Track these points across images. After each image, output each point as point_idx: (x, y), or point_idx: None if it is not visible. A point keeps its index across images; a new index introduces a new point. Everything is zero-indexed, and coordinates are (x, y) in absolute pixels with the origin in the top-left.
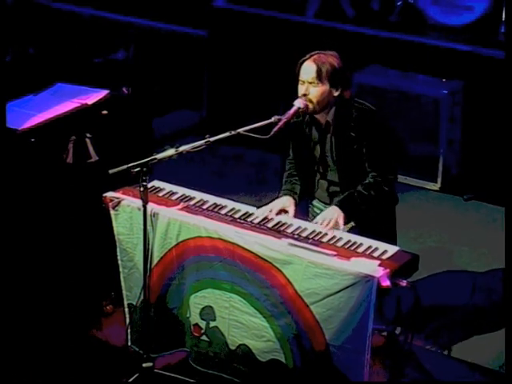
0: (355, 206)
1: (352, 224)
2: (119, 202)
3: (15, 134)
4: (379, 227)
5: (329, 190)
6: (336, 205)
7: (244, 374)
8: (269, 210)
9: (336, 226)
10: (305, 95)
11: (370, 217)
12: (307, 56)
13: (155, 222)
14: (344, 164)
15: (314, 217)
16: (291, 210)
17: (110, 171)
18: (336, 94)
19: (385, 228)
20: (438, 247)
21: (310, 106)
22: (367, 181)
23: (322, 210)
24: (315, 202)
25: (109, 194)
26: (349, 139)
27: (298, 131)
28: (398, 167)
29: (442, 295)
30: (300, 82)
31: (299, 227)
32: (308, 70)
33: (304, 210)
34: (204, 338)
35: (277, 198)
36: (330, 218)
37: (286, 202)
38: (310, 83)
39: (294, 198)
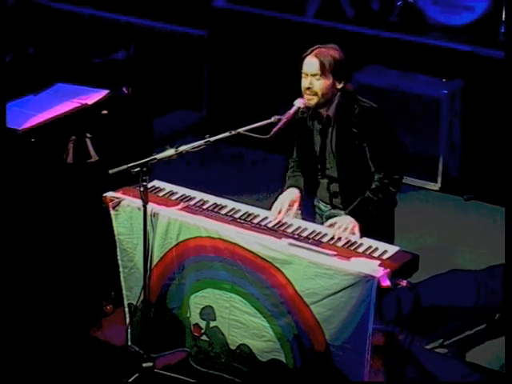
0: (367, 213)
1: None
2: (119, 202)
3: (15, 134)
4: (377, 229)
5: (329, 190)
6: (348, 214)
7: (244, 374)
8: (278, 210)
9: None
10: (309, 88)
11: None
12: (309, 51)
13: (155, 222)
14: (343, 159)
15: (321, 217)
16: (296, 203)
17: (110, 171)
18: (339, 86)
19: (383, 230)
20: (438, 247)
21: (315, 98)
22: (374, 185)
23: (323, 211)
24: (317, 203)
25: (109, 194)
26: (350, 134)
27: (302, 126)
28: (403, 167)
29: (442, 295)
30: (303, 75)
31: (299, 227)
32: (311, 64)
33: (310, 211)
34: (204, 337)
35: (280, 193)
36: (345, 227)
37: (293, 195)
38: (314, 76)
39: (300, 191)
